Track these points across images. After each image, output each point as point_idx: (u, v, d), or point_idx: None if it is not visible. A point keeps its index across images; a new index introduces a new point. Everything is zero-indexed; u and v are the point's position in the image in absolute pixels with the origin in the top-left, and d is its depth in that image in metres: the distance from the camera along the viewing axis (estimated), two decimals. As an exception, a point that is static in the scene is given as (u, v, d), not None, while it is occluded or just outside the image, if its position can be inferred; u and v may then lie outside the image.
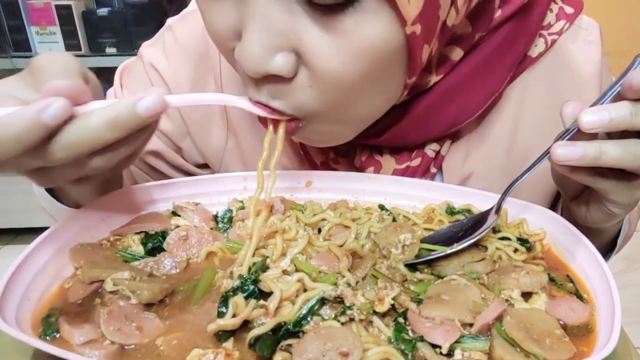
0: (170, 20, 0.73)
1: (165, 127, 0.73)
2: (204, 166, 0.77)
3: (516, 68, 0.63)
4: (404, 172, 0.65)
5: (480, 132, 0.66)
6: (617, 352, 0.39)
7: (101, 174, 0.48)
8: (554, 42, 0.64)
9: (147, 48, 0.73)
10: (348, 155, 0.67)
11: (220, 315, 0.43)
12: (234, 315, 0.42)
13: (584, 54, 0.66)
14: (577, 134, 0.47)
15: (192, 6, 0.71)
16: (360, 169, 0.66)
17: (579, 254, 0.52)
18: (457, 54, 0.58)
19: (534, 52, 0.64)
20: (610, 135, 0.48)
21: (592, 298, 0.47)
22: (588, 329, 0.44)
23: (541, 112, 0.66)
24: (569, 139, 0.48)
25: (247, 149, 0.72)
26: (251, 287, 0.45)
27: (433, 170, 0.66)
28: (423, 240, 0.54)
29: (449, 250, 0.51)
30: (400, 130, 0.61)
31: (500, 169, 0.67)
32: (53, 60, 0.44)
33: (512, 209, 0.58)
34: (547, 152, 0.48)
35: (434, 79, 0.58)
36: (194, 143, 0.74)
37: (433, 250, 0.52)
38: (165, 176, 0.76)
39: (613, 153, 0.45)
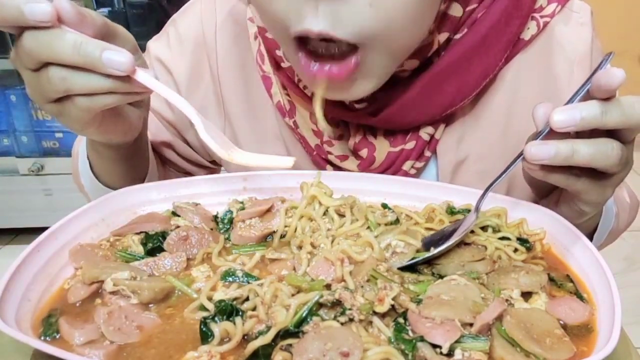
0: (175, 15, 0.75)
1: (169, 117, 0.74)
2: (213, 162, 0.80)
3: (510, 50, 0.64)
4: (398, 155, 0.65)
5: (474, 115, 0.67)
6: (617, 352, 0.39)
7: (98, 120, 0.52)
8: (546, 24, 0.65)
9: (153, 42, 0.76)
10: (342, 138, 0.67)
11: (204, 335, 0.42)
12: (222, 339, 0.42)
13: (575, 35, 0.67)
14: (549, 136, 0.48)
15: None
16: (354, 151, 0.66)
17: (579, 254, 0.52)
18: (456, 10, 0.60)
19: (526, 34, 0.65)
20: (580, 136, 0.48)
21: (592, 298, 0.47)
22: (588, 329, 0.44)
23: (535, 94, 0.67)
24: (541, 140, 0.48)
25: (241, 135, 0.73)
26: (229, 307, 0.44)
27: (427, 153, 0.67)
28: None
29: (427, 255, 0.51)
30: (399, 109, 0.62)
31: (497, 150, 0.68)
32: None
33: (512, 208, 0.58)
34: (521, 154, 0.49)
35: (436, 40, 0.60)
36: (196, 135, 0.75)
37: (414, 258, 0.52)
38: (179, 168, 0.79)
39: (585, 151, 0.46)
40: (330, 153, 0.67)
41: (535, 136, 0.50)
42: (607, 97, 0.45)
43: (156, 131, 0.75)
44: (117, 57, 0.45)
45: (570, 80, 0.67)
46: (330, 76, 0.53)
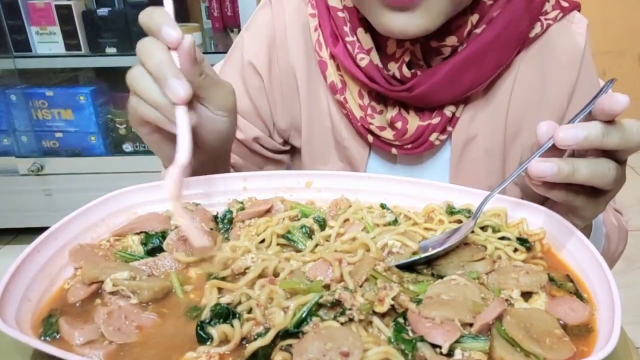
0: (247, 23, 0.87)
1: (260, 110, 0.85)
2: (285, 143, 0.89)
3: (520, 46, 0.73)
4: (426, 128, 0.75)
5: (485, 98, 0.77)
6: (617, 352, 0.39)
7: (149, 129, 0.59)
8: (548, 26, 0.75)
9: (233, 51, 0.87)
10: (382, 113, 0.77)
11: (200, 339, 0.42)
12: (221, 341, 0.42)
13: (570, 43, 0.76)
14: (548, 151, 0.50)
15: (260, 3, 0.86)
16: (391, 123, 0.76)
17: (579, 254, 0.52)
18: None
19: (531, 33, 0.74)
20: (576, 153, 0.51)
21: (592, 298, 0.47)
22: (588, 329, 0.44)
23: (529, 87, 0.77)
24: (541, 156, 0.50)
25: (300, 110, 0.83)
26: (225, 310, 0.44)
27: (449, 128, 0.77)
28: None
29: (424, 255, 0.51)
30: (429, 89, 0.72)
31: (498, 132, 0.78)
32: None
33: (512, 208, 0.58)
34: (523, 166, 0.51)
35: (470, 20, 0.70)
36: (273, 122, 0.86)
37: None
38: (264, 158, 0.87)
39: (585, 170, 0.49)
40: (371, 124, 0.76)
41: (534, 150, 0.52)
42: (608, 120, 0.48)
43: (245, 128, 0.85)
44: (177, 86, 0.53)
45: (559, 82, 0.76)
46: None
